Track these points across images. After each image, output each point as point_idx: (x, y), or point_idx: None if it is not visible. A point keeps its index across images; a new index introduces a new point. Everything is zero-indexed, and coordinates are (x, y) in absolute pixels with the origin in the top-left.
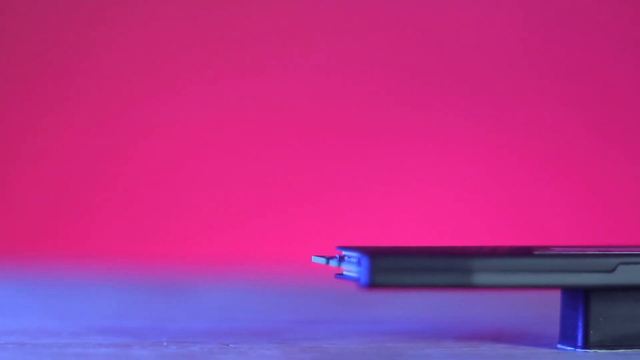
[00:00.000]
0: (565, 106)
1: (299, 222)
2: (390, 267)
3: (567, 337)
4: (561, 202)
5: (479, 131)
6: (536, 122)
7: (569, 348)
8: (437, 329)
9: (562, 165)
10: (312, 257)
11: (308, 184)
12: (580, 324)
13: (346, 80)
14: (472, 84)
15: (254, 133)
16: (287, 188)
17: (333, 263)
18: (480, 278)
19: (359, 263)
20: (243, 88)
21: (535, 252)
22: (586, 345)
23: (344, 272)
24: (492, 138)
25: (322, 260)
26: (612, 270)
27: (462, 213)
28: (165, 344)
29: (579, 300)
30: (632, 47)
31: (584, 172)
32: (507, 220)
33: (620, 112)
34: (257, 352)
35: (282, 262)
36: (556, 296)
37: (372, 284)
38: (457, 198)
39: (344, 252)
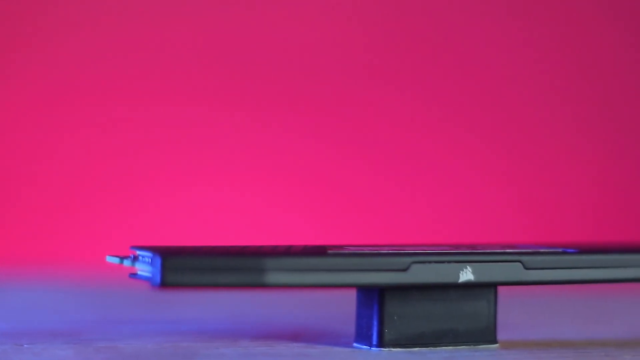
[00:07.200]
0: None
1: (94, 221)
2: (182, 266)
3: (362, 335)
4: (361, 201)
5: (280, 130)
6: (353, 121)
7: (365, 347)
8: (234, 328)
9: (370, 164)
10: (107, 256)
11: (103, 183)
12: (375, 323)
13: (151, 75)
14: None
15: (46, 132)
16: (82, 188)
17: (127, 263)
18: (273, 277)
19: (151, 262)
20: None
21: (329, 251)
22: (381, 343)
23: (138, 272)
24: (295, 138)
25: (116, 260)
26: (405, 269)
27: (264, 212)
28: None
29: (373, 299)
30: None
31: (378, 173)
32: (308, 219)
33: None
34: (50, 352)
35: (77, 263)
36: (354, 295)
37: (164, 284)
38: (260, 197)
39: (137, 252)
